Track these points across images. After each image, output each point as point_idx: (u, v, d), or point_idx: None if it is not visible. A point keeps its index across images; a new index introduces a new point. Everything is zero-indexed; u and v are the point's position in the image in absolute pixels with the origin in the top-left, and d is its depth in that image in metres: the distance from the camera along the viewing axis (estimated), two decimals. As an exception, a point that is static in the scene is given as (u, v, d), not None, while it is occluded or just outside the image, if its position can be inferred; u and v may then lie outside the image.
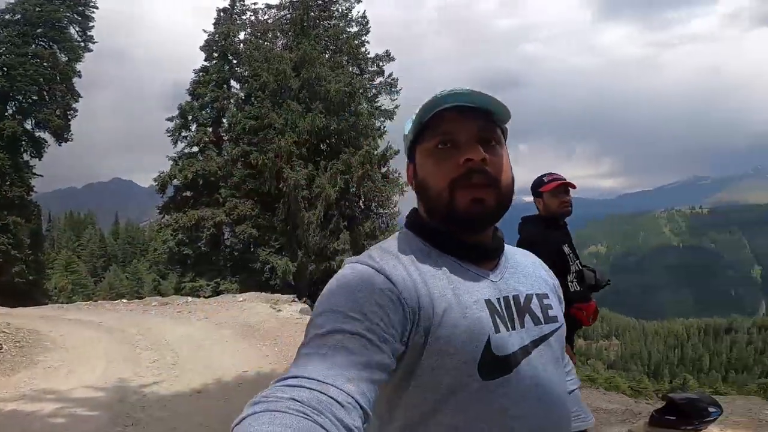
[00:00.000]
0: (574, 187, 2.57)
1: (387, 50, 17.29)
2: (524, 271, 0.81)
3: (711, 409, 2.33)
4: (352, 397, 0.53)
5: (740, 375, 63.98)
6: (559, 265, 2.34)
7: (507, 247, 0.83)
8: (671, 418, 2.39)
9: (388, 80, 17.00)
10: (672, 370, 68.33)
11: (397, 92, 16.92)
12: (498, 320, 0.71)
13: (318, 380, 0.54)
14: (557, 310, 0.81)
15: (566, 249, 2.52)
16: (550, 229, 2.55)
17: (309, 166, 15.44)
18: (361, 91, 16.35)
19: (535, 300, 0.78)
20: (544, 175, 2.61)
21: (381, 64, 17.10)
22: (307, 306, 8.94)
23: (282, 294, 11.81)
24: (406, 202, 17.06)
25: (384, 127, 17.11)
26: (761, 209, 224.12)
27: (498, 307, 0.72)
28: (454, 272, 0.73)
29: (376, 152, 15.97)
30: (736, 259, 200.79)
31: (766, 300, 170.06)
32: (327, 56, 16.36)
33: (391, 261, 0.71)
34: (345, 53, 16.64)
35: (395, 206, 17.14)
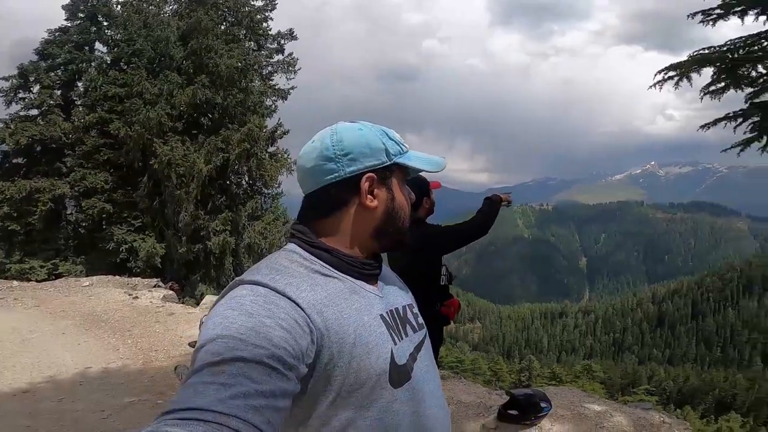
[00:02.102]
0: (437, 186, 2.66)
1: (291, 29, 16.43)
2: (393, 284, 0.86)
3: (543, 405, 2.76)
4: (258, 428, 0.49)
5: (570, 356, 77.77)
6: (438, 263, 2.51)
7: None
8: (514, 413, 2.74)
9: (287, 59, 16.24)
10: (521, 351, 79.02)
11: (295, 72, 16.27)
12: (392, 332, 0.75)
13: (217, 412, 0.48)
14: (420, 317, 0.87)
15: None
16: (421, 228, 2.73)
17: (185, 140, 14.01)
18: (255, 67, 15.36)
19: (408, 310, 0.83)
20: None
21: (282, 42, 16.24)
22: (173, 293, 8.08)
23: (143, 278, 10.56)
24: (293, 181, 16.65)
25: (276, 106, 16.39)
26: (589, 209, 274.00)
27: (389, 320, 0.76)
28: (354, 292, 0.74)
29: (263, 130, 15.17)
30: (569, 251, 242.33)
31: (589, 287, 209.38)
32: (223, 28, 15.02)
33: (292, 281, 0.67)
34: (244, 27, 15.42)
35: (279, 186, 16.60)
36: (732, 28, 3.80)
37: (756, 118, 3.78)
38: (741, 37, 3.57)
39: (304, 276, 0.70)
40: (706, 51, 3.61)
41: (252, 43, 15.94)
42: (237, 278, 0.70)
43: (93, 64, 14.95)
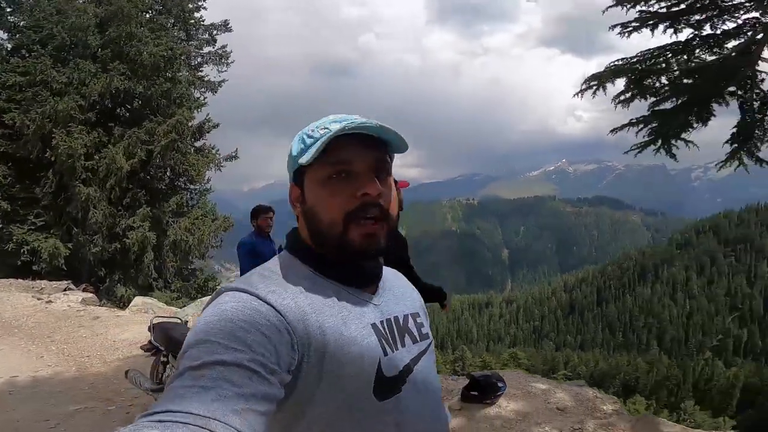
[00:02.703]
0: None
1: (226, 20, 15.58)
2: (398, 292, 0.83)
3: (500, 384, 3.10)
4: (237, 431, 0.48)
5: (497, 344, 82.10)
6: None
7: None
8: (475, 393, 2.98)
9: (220, 51, 15.41)
10: (453, 341, 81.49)
11: (228, 64, 15.51)
12: (384, 343, 0.72)
13: (197, 414, 0.48)
14: (427, 326, 0.84)
15: None
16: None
17: (98, 132, 12.81)
18: (183, 57, 14.40)
19: (410, 319, 0.80)
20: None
21: (215, 33, 15.37)
22: (92, 296, 7.41)
23: (50, 280, 9.53)
24: (221, 177, 15.90)
25: (205, 98, 15.54)
26: (510, 203, 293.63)
27: (383, 330, 0.73)
28: (341, 299, 0.72)
29: (190, 123, 14.34)
30: (493, 244, 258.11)
31: (511, 278, 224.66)
32: (148, 16, 13.91)
33: (275, 289, 0.67)
34: (173, 16, 14.37)
35: (208, 182, 15.79)
36: (642, 38, 4.39)
37: (654, 124, 4.42)
38: (649, 49, 4.15)
39: (291, 282, 0.70)
40: (620, 62, 4.18)
41: (182, 32, 15.01)
42: (222, 286, 0.70)
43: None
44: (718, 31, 3.71)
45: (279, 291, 0.67)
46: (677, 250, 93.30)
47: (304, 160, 0.69)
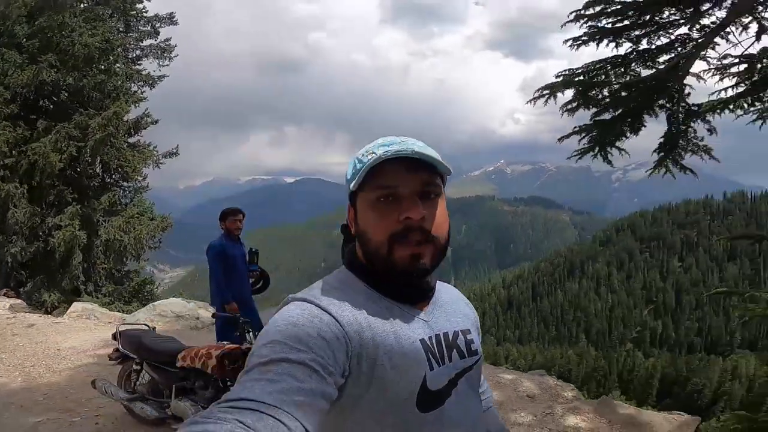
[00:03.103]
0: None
1: (171, 13, 14.59)
2: (450, 308, 0.88)
3: None
4: (300, 422, 0.54)
5: None
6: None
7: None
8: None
9: (162, 44, 14.47)
10: None
11: (171, 59, 14.60)
12: (431, 357, 0.77)
13: (265, 403, 0.53)
14: (477, 343, 0.88)
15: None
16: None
17: (21, 126, 11.63)
18: (120, 49, 13.40)
19: (460, 336, 0.84)
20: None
21: (159, 25, 14.38)
22: (20, 301, 6.72)
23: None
24: (156, 174, 14.99)
25: (143, 93, 14.57)
26: (453, 202, 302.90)
27: (431, 345, 0.78)
28: (394, 315, 0.77)
29: (126, 118, 13.42)
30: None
31: (455, 275, 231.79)
32: (84, 5, 12.78)
33: (336, 301, 0.73)
34: (111, 6, 13.28)
35: (144, 179, 14.78)
36: (585, 49, 4.80)
37: (594, 133, 4.88)
38: (592, 62, 4.58)
39: (350, 297, 0.75)
40: (567, 72, 4.57)
41: (120, 23, 13.97)
42: (290, 296, 0.76)
43: None
44: (653, 46, 4.19)
45: (339, 303, 0.73)
46: (600, 247, 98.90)
47: (353, 185, 0.76)
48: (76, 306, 6.54)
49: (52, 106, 12.82)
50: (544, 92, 4.43)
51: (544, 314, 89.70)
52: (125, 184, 14.55)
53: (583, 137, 4.86)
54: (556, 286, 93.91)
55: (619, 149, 5.00)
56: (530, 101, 4.58)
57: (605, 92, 4.43)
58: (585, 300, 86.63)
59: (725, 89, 4.36)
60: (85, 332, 5.29)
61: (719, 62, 4.16)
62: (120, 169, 13.80)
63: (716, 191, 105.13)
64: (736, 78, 4.23)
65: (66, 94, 12.73)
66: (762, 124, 4.68)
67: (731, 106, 4.44)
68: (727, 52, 4.07)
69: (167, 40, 14.57)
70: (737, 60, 4.11)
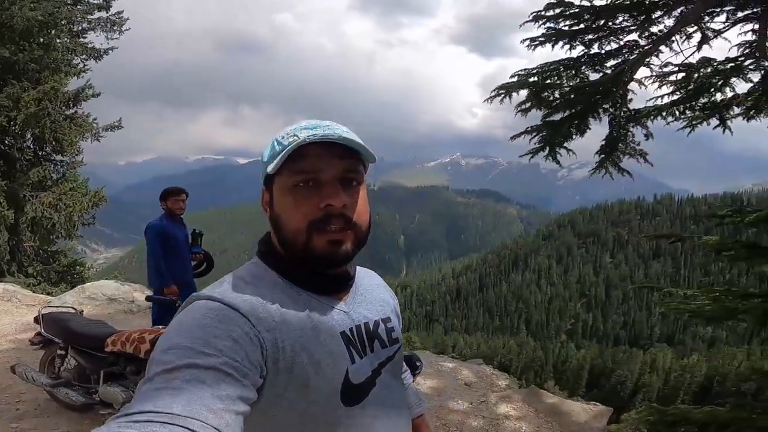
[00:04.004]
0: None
1: None
2: (370, 296, 0.84)
3: (417, 363, 3.30)
4: (217, 430, 0.49)
5: None
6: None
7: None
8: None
9: (113, 17, 13.30)
10: None
11: (121, 32, 13.51)
12: (353, 350, 0.74)
13: (174, 414, 0.47)
14: (398, 330, 0.86)
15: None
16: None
17: None
18: (64, 22, 12.18)
19: (381, 325, 0.82)
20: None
21: None
22: None
23: None
24: (95, 149, 13.99)
25: (86, 65, 13.48)
26: (408, 191, 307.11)
27: (351, 337, 0.75)
28: (311, 308, 0.73)
29: (65, 89, 12.41)
30: (391, 230, 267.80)
31: (407, 263, 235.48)
32: None
33: (247, 297, 0.68)
34: None
35: (79, 154, 13.70)
36: (542, 50, 4.96)
37: (544, 133, 5.08)
38: (547, 63, 4.74)
39: (262, 291, 0.71)
40: (522, 72, 4.72)
41: None
42: (193, 294, 0.71)
43: None
44: (603, 51, 4.41)
45: (250, 299, 0.68)
46: (543, 241, 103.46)
47: (270, 168, 0.71)
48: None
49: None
50: (500, 92, 4.54)
51: (490, 305, 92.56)
52: (59, 158, 13.46)
53: (534, 137, 5.04)
54: (501, 278, 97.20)
55: (567, 149, 5.24)
56: (487, 100, 4.68)
57: (557, 94, 4.61)
58: (527, 292, 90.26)
59: (662, 96, 4.69)
60: (5, 315, 4.85)
61: (660, 69, 4.46)
62: (54, 142, 12.73)
63: (648, 193, 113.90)
64: (673, 86, 4.55)
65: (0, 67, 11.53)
66: (690, 131, 5.09)
67: (665, 113, 4.78)
68: (669, 60, 4.36)
69: (119, 12, 13.50)
70: (677, 68, 4.41)
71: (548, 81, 4.52)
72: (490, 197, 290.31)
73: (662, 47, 4.20)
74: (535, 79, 4.43)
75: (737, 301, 3.66)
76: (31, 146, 12.62)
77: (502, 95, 4.52)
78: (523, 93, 4.64)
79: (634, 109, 4.67)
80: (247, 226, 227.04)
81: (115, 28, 13.45)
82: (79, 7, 13.17)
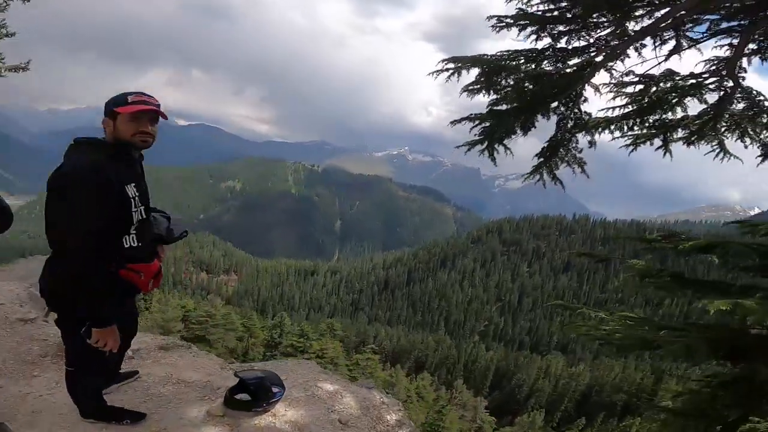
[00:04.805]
0: (164, 117, 2.05)
1: None
2: None
3: (275, 390, 2.41)
4: None
5: (317, 313, 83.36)
6: (116, 211, 1.93)
7: None
8: (244, 398, 2.40)
9: None
10: (275, 307, 79.78)
11: None
12: None
13: None
14: None
15: (131, 190, 2.00)
16: (113, 162, 1.95)
17: None
18: None
19: None
20: (130, 94, 1.97)
21: None
22: None
23: None
24: (12, 90, 11.69)
25: (6, 4, 11.17)
26: (351, 177, 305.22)
27: None
28: None
29: None
30: (328, 213, 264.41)
31: (340, 249, 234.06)
32: None
33: None
34: None
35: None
36: (509, 45, 4.37)
37: (487, 124, 4.49)
38: (507, 50, 4.13)
39: None
40: (479, 56, 4.07)
41: None
42: None
43: None
44: (570, 47, 3.90)
45: None
46: (471, 244, 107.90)
47: None
48: None
49: None
50: (449, 65, 3.86)
51: (414, 299, 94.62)
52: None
53: (476, 125, 4.44)
54: (429, 275, 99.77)
55: (506, 148, 4.71)
56: (432, 73, 3.98)
57: (510, 80, 4.03)
58: (450, 291, 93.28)
59: (614, 108, 4.32)
60: None
61: (620, 78, 4.06)
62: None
63: (569, 212, 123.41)
64: (627, 98, 4.18)
65: None
66: (632, 150, 4.78)
67: (613, 126, 4.42)
68: (632, 68, 3.96)
69: None
70: (637, 79, 4.03)
71: (504, 63, 3.93)
72: (430, 195, 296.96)
73: (630, 50, 3.77)
74: (493, 61, 3.84)
75: (653, 332, 3.32)
76: None
77: (451, 71, 3.85)
78: (473, 73, 4.02)
79: (586, 113, 4.24)
80: (167, 189, 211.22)
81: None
82: None
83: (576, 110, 4.12)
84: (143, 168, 2.15)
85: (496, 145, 4.51)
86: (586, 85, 3.98)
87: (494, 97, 4.06)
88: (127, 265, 2.00)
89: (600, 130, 4.59)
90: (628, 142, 4.75)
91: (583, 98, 4.11)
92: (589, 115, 4.18)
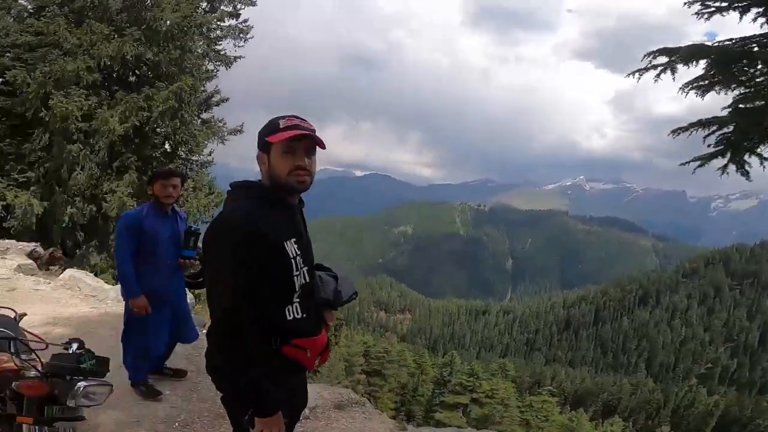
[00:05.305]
0: (322, 146, 1.57)
1: None
2: None
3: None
4: None
5: (488, 353, 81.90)
6: (274, 273, 1.51)
7: None
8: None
9: (241, 25, 14.72)
10: (445, 345, 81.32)
11: (245, 40, 14.83)
12: None
13: None
14: None
15: (291, 248, 1.55)
16: (270, 209, 1.55)
17: (100, 95, 12.23)
18: (203, 29, 13.79)
19: None
20: (282, 118, 1.56)
21: (239, 6, 14.66)
22: (32, 262, 6.47)
23: (18, 240, 8.79)
24: (224, 150, 15.37)
25: (217, 71, 15.02)
26: (520, 213, 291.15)
27: None
28: None
29: (198, 94, 13.80)
30: (498, 252, 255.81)
31: (512, 288, 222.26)
32: None
33: None
34: None
35: (210, 155, 15.13)
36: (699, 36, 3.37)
37: (729, 129, 3.38)
38: (731, 39, 3.15)
39: None
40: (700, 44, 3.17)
41: (205, 2, 14.30)
42: None
43: (11, 12, 12.69)
44: None
45: None
46: (683, 278, 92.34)
47: None
48: (67, 273, 6.03)
49: (134, 78, 13.34)
50: (658, 59, 3.07)
51: (604, 340, 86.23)
52: (192, 158, 14.91)
53: (710, 133, 3.40)
54: (623, 313, 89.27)
55: (762, 157, 3.47)
56: (634, 73, 3.24)
57: (759, 68, 2.94)
58: (654, 330, 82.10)
59: None
60: (49, 305, 4.80)
61: None
62: (187, 143, 14.12)
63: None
64: None
65: (146, 69, 13.18)
66: None
67: None
68: None
69: (245, 21, 14.68)
70: None
71: (745, 49, 2.91)
72: (617, 226, 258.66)
73: None
74: (728, 49, 2.89)
75: None
76: (167, 145, 14.14)
77: (662, 67, 3.04)
78: (692, 68, 3.10)
79: None
80: (347, 238, 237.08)
81: (241, 35, 14.58)
82: (214, 14, 14.59)
83: None
84: (305, 218, 1.70)
85: (746, 155, 3.35)
86: None
87: (741, 91, 3.01)
88: (291, 341, 1.59)
89: None
90: None
91: None
92: None
